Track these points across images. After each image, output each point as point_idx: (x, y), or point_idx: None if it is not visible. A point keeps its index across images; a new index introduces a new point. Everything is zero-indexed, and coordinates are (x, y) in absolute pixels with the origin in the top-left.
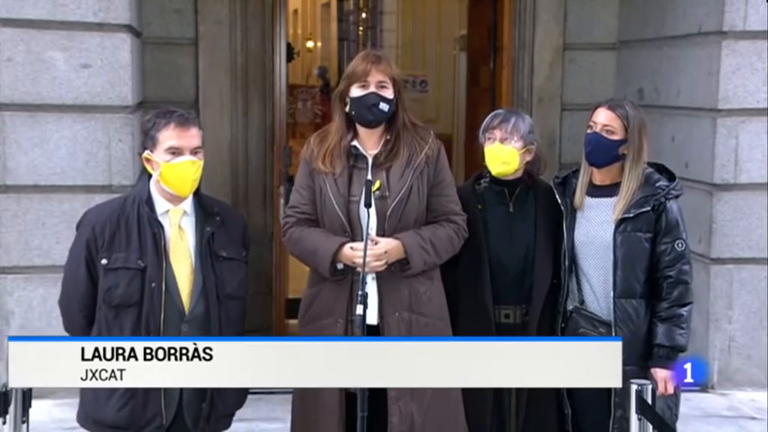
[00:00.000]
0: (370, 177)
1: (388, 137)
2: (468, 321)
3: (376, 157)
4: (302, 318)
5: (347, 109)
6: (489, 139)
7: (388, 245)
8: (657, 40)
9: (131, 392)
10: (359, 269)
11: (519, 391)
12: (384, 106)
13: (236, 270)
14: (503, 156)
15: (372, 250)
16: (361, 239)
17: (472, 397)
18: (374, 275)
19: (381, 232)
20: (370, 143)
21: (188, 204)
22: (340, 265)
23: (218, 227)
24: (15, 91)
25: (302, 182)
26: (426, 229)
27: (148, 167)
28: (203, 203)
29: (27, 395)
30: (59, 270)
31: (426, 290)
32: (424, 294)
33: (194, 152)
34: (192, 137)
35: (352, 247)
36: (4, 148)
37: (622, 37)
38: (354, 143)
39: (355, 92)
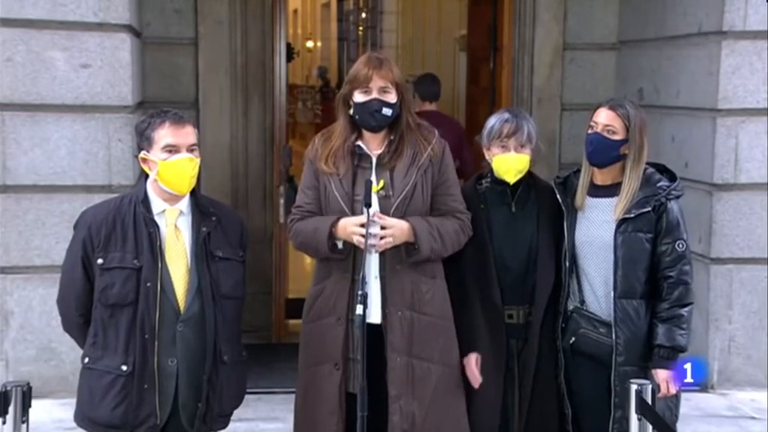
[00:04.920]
0: (373, 177)
1: (392, 137)
2: (481, 322)
3: (380, 158)
4: (306, 316)
5: (351, 113)
6: (503, 147)
7: (397, 223)
8: (657, 40)
9: (126, 392)
10: (367, 248)
11: (522, 389)
12: (387, 111)
13: (233, 270)
14: (519, 165)
15: (378, 221)
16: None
17: (475, 395)
18: (377, 275)
19: None
20: (374, 144)
21: (185, 204)
22: (340, 244)
23: (215, 227)
24: (15, 91)
25: (307, 182)
26: (434, 218)
27: (145, 168)
28: (200, 203)
29: (27, 395)
30: (59, 270)
31: (429, 289)
32: (426, 293)
33: (191, 149)
34: (188, 134)
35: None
36: (4, 148)
37: (622, 37)
38: (359, 143)
39: (358, 97)
